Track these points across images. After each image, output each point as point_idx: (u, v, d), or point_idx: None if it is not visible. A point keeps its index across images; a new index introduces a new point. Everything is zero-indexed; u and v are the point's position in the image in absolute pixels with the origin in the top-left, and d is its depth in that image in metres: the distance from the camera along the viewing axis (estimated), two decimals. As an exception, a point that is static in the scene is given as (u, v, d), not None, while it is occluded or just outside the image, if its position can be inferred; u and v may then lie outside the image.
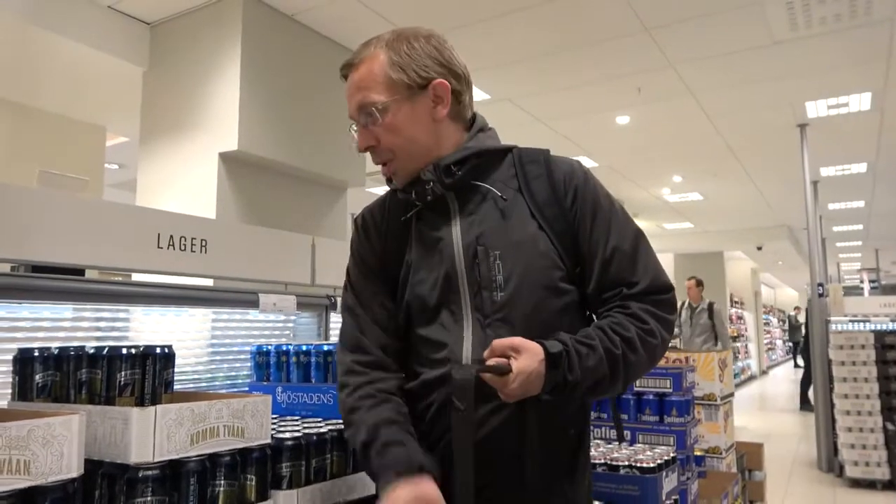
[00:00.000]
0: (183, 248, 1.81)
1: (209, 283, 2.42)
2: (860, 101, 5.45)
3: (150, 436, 1.02)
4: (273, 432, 1.30)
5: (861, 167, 7.60)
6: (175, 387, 1.69)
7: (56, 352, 1.25)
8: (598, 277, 1.15)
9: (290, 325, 2.28)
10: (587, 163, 7.24)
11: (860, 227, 11.85)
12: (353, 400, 1.15)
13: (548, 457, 1.12)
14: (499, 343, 1.04)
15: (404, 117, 1.13)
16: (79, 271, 1.65)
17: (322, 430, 1.39)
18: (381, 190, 1.33)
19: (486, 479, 1.08)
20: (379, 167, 1.23)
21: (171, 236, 1.77)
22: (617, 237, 1.16)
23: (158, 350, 1.21)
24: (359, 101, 1.14)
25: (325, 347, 1.72)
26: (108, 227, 1.65)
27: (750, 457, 3.53)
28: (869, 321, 5.70)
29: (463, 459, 1.00)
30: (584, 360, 1.05)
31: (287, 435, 1.31)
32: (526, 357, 1.01)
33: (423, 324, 1.17)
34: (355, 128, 1.18)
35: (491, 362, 1.02)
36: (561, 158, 1.23)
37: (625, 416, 2.18)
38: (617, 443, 2.05)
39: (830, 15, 3.97)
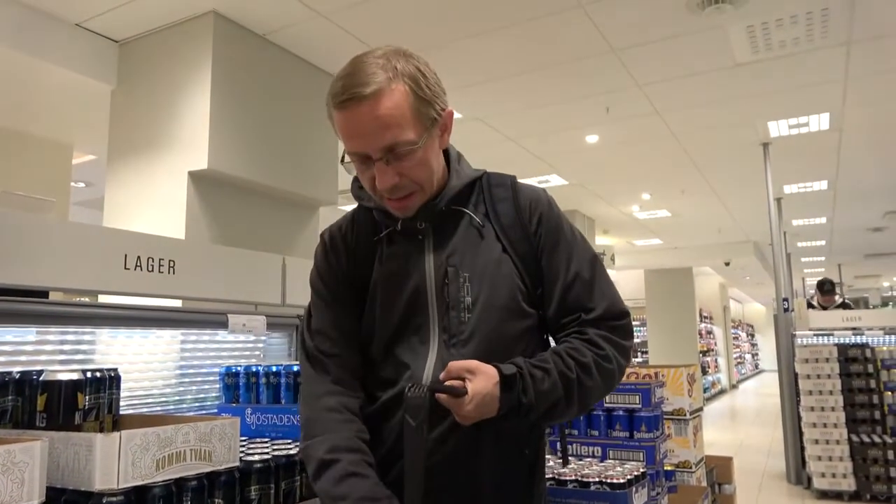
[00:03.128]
0: (150, 268, 1.79)
1: (177, 303, 2.39)
2: (819, 121, 5.63)
3: (114, 462, 1.00)
4: (242, 455, 1.29)
5: (822, 184, 7.81)
6: (142, 410, 1.66)
7: (17, 376, 1.23)
8: (558, 302, 1.17)
9: (261, 345, 2.26)
10: (557, 181, 7.34)
11: (823, 242, 12.15)
12: (316, 410, 1.12)
13: (504, 478, 1.13)
14: (455, 365, 1.04)
15: (431, 151, 1.12)
16: (42, 293, 1.62)
17: (291, 451, 1.38)
18: (353, 207, 1.31)
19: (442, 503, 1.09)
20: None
21: (139, 257, 1.76)
22: (577, 264, 1.18)
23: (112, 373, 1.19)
24: (390, 139, 1.04)
25: (296, 368, 1.71)
26: (73, 248, 1.62)
27: (720, 470, 3.57)
28: (832, 335, 5.84)
29: (413, 474, 0.98)
30: (538, 383, 1.06)
31: (256, 457, 1.30)
32: (481, 379, 1.02)
33: (390, 344, 1.16)
34: (356, 162, 1.10)
35: (447, 384, 1.03)
36: (527, 185, 1.26)
37: (595, 433, 2.19)
38: (589, 460, 2.07)
39: (789, 39, 4.11)
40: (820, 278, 7.21)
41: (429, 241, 1.18)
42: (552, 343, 1.24)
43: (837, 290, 7.17)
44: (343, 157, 1.11)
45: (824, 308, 6.89)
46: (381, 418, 1.16)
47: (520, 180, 1.28)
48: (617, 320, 1.17)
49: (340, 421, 1.10)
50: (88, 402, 1.20)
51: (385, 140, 1.04)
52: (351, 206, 1.33)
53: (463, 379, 1.03)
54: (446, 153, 1.23)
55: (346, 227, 1.26)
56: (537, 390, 1.06)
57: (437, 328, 1.14)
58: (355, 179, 1.21)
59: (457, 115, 5.17)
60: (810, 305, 7.23)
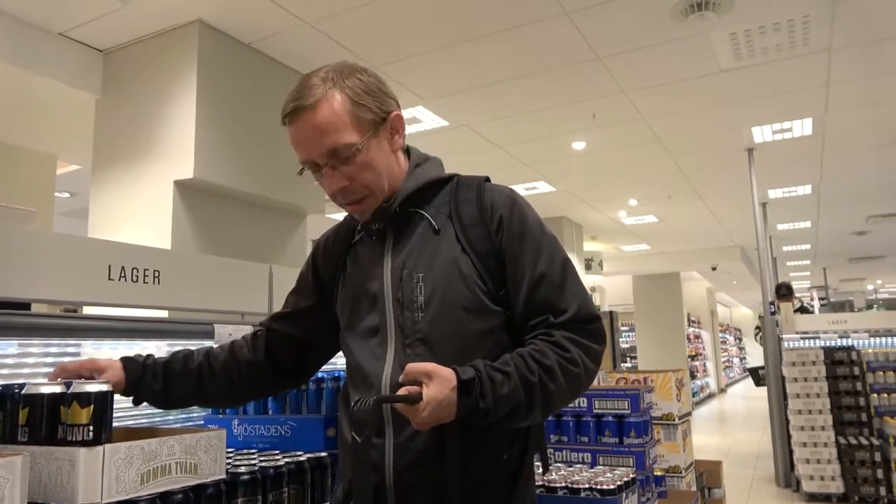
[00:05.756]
0: (135, 279, 1.77)
1: (163, 314, 2.36)
2: (802, 127, 5.69)
3: (97, 476, 0.98)
4: (228, 467, 1.28)
5: (806, 189, 7.90)
6: (127, 422, 1.64)
7: (-1, 390, 1.21)
8: (524, 302, 1.15)
9: (248, 355, 2.23)
10: (545, 187, 7.36)
11: (808, 246, 12.27)
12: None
13: (477, 484, 1.10)
14: (412, 368, 1.02)
15: (375, 153, 1.16)
16: (24, 305, 1.59)
17: (279, 463, 1.37)
18: (342, 216, 1.36)
19: None
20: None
21: (123, 267, 1.74)
22: (545, 263, 1.16)
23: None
24: (329, 144, 1.12)
25: (283, 378, 1.69)
26: (55, 259, 1.60)
27: (709, 475, 3.58)
28: (819, 338, 5.89)
29: (362, 492, 0.99)
30: (497, 387, 1.03)
31: (242, 469, 1.28)
32: (437, 384, 1.00)
33: (356, 345, 1.21)
34: (310, 171, 1.19)
35: (403, 390, 1.01)
36: (495, 185, 1.25)
37: (585, 439, 2.19)
38: (579, 466, 2.07)
39: (772, 45, 4.16)
40: (777, 282, 7.26)
41: (389, 244, 1.21)
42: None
43: (816, 295, 7.20)
44: (301, 169, 1.20)
45: None
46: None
47: (511, 186, 1.28)
48: (587, 323, 1.14)
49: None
50: (72, 416, 1.18)
51: (325, 145, 1.12)
52: (339, 213, 1.37)
53: (420, 383, 1.01)
54: (408, 157, 1.26)
55: (333, 230, 1.37)
56: (496, 394, 1.03)
57: (393, 329, 1.15)
58: None
59: (443, 123, 5.22)
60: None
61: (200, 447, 1.14)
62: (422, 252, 1.17)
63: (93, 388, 1.08)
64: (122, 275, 1.74)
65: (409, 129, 5.14)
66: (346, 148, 1.12)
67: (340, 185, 1.15)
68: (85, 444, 1.03)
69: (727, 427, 10.68)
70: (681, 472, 2.82)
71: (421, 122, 5.15)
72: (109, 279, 1.71)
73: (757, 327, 7.48)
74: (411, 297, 1.14)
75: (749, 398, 15.44)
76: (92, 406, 1.06)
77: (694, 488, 2.95)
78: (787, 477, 5.86)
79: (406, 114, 4.96)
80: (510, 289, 1.16)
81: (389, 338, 1.15)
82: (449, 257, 1.16)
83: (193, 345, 2.03)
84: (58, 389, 1.17)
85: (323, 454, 1.51)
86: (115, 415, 1.68)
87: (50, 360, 1.63)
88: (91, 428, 1.05)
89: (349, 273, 1.27)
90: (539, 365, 1.07)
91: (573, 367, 1.10)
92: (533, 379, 1.06)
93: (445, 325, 1.12)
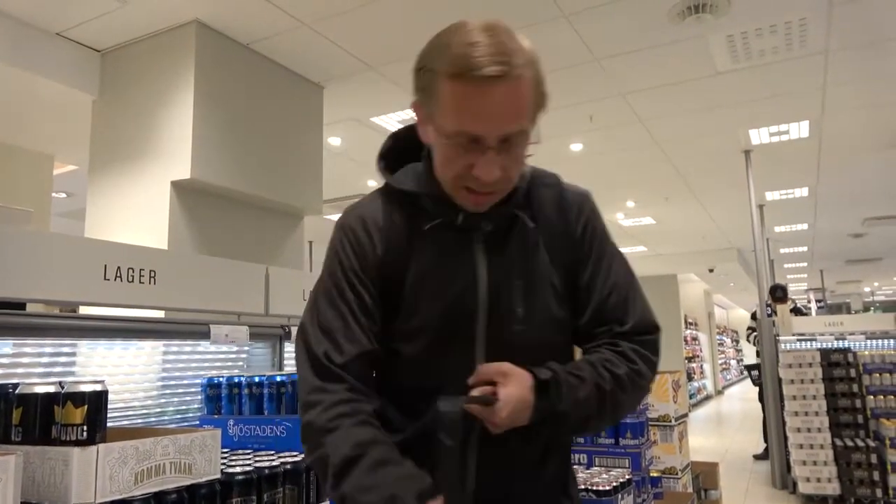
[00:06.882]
0: (131, 279, 1.77)
1: (159, 314, 2.36)
2: (799, 129, 5.70)
3: (91, 476, 0.98)
4: (223, 467, 1.27)
5: (803, 191, 7.91)
6: (123, 423, 1.64)
7: (-7, 390, 1.21)
8: (593, 312, 1.10)
9: (244, 356, 2.24)
10: (543, 189, 7.36)
11: (805, 248, 12.29)
12: (328, 419, 0.96)
13: (541, 485, 1.09)
14: (486, 368, 0.97)
15: (526, 150, 1.02)
16: (19, 305, 1.59)
17: (274, 463, 1.37)
18: (337, 217, 1.17)
19: None
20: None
21: (119, 268, 1.74)
22: (616, 274, 1.12)
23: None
24: (517, 127, 0.96)
25: (279, 378, 1.69)
26: (50, 258, 1.60)
27: (705, 476, 3.59)
28: (815, 340, 5.90)
29: (456, 499, 0.88)
30: (574, 391, 0.99)
31: (237, 469, 1.28)
32: (514, 384, 0.95)
33: (429, 354, 1.04)
34: (456, 143, 0.96)
35: (477, 391, 0.95)
36: (573, 186, 1.18)
37: (581, 440, 2.20)
38: (575, 467, 2.07)
39: (768, 48, 4.17)
40: (772, 284, 7.28)
41: (479, 243, 1.06)
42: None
43: (813, 297, 7.22)
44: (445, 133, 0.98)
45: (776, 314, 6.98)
46: (419, 444, 0.98)
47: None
48: (649, 334, 1.11)
49: (359, 423, 0.97)
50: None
51: (512, 126, 0.95)
52: (336, 214, 1.29)
53: (494, 383, 0.95)
54: None
55: (380, 212, 1.09)
56: (574, 398, 0.98)
57: (484, 339, 1.04)
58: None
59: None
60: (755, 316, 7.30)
61: (195, 447, 1.14)
62: (517, 258, 1.07)
63: (87, 388, 1.08)
64: (118, 275, 1.74)
65: (407, 131, 5.12)
66: (523, 137, 0.98)
67: (496, 174, 0.97)
68: (79, 443, 1.03)
69: (724, 429, 10.68)
70: (677, 474, 2.82)
71: (419, 123, 5.14)
72: (105, 279, 1.71)
73: (749, 328, 7.49)
74: (510, 307, 1.04)
75: (746, 400, 15.44)
76: (86, 406, 1.06)
77: (690, 490, 2.96)
78: (784, 478, 5.87)
79: (405, 115, 4.97)
80: (581, 297, 1.11)
81: (478, 346, 1.03)
82: (542, 265, 1.08)
83: (189, 345, 2.04)
84: (52, 389, 1.17)
85: (318, 455, 1.51)
86: (109, 415, 1.68)
87: (45, 359, 1.63)
88: (85, 428, 1.04)
89: (421, 268, 1.05)
90: (611, 374, 1.03)
91: (640, 380, 1.07)
92: (606, 388, 1.02)
93: (539, 336, 1.06)
